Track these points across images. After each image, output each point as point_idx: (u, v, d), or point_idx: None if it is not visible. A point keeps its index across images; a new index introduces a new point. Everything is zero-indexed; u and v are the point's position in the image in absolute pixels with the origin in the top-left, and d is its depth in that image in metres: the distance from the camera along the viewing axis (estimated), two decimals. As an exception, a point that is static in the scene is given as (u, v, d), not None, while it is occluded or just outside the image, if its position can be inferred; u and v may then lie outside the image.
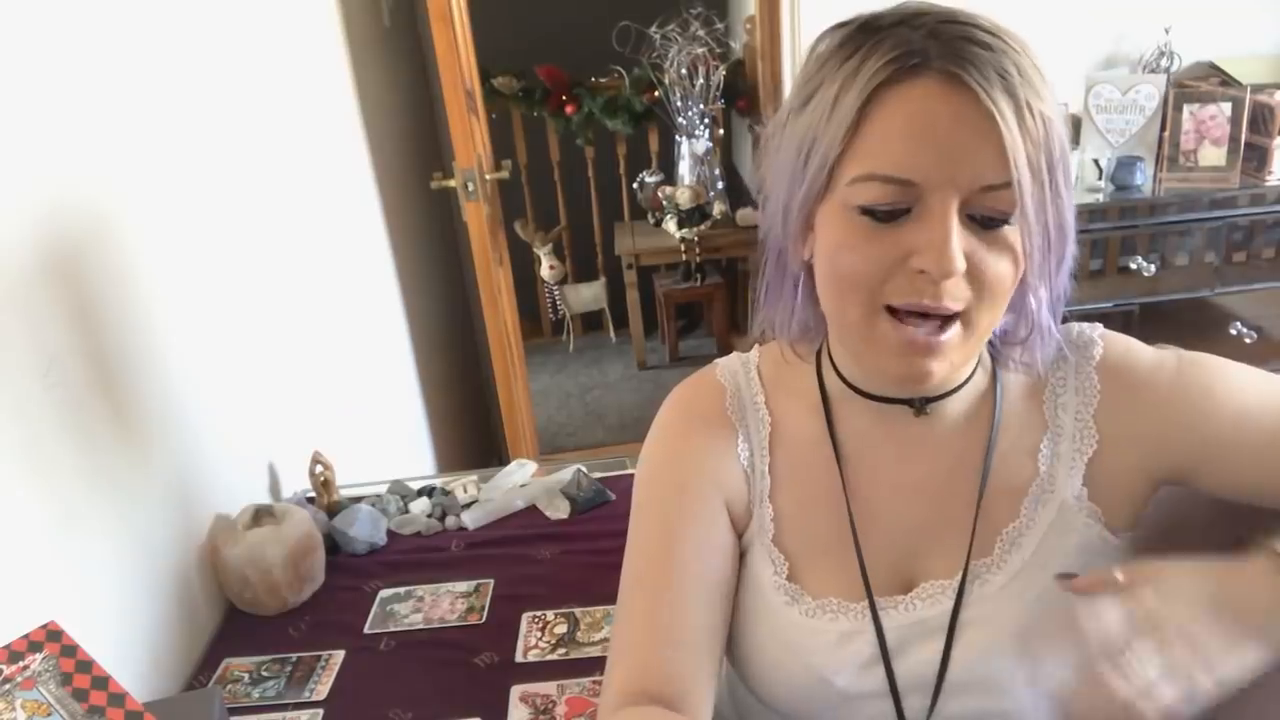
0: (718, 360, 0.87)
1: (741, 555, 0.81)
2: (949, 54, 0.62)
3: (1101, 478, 0.76)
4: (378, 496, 1.47)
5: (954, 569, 0.76)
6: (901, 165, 0.63)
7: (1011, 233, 0.65)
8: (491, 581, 1.29)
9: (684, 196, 3.39)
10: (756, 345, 0.87)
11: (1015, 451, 0.77)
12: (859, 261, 0.66)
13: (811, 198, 0.68)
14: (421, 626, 1.22)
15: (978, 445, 0.77)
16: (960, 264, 0.63)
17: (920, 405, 0.76)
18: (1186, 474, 0.76)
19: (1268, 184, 2.25)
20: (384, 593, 1.29)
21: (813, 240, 0.71)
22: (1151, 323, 2.29)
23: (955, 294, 0.65)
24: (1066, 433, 0.77)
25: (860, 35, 0.66)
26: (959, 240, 0.63)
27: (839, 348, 0.78)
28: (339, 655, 1.17)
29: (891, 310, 0.67)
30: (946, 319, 0.66)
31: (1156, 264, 2.28)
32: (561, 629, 1.18)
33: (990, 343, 0.78)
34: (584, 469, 1.49)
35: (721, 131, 3.62)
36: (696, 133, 3.39)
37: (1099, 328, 0.79)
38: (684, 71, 3.25)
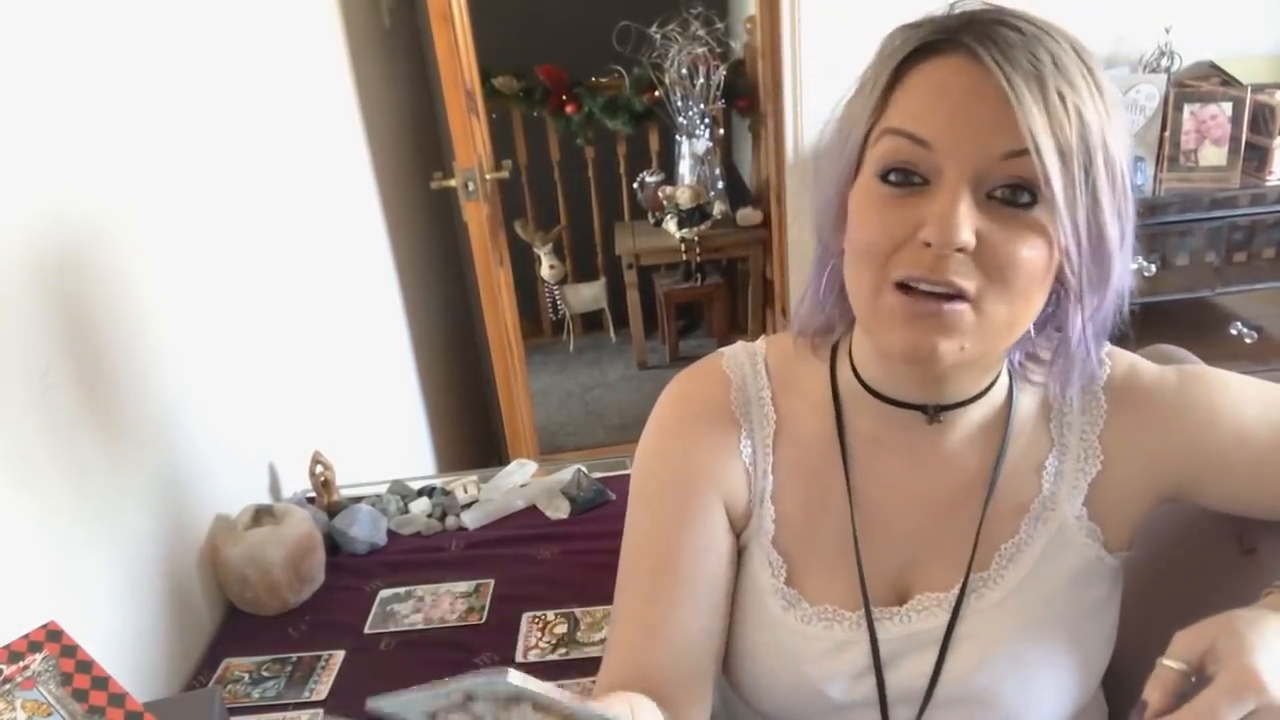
0: (723, 349, 0.84)
1: (740, 555, 0.80)
2: (976, 34, 0.63)
3: (1103, 498, 0.76)
4: (378, 496, 1.47)
5: (950, 581, 0.75)
6: (914, 122, 0.64)
7: (1040, 217, 0.63)
8: (491, 581, 1.29)
9: (684, 196, 3.39)
10: (764, 336, 0.85)
11: (1021, 468, 0.76)
12: (873, 230, 0.65)
13: (846, 178, 0.69)
14: (421, 626, 1.22)
15: (986, 459, 0.76)
16: (964, 236, 0.61)
17: (934, 412, 0.73)
18: (1187, 491, 0.76)
19: (1268, 184, 2.25)
20: (384, 593, 1.29)
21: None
22: (1152, 323, 2.27)
23: (960, 271, 0.62)
24: (1071, 451, 0.76)
25: (911, 25, 0.67)
26: (968, 213, 0.62)
27: (861, 342, 0.76)
28: (339, 655, 1.17)
29: (900, 287, 0.65)
30: (954, 297, 0.64)
31: (1157, 264, 2.27)
32: (561, 629, 1.18)
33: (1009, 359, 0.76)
34: (584, 469, 1.49)
35: (721, 131, 3.62)
36: (696, 133, 3.39)
37: (1105, 345, 0.77)
38: (684, 71, 3.25)
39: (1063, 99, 0.61)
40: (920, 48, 0.65)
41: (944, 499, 0.76)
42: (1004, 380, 0.77)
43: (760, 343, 0.84)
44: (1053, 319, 0.71)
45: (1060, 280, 0.66)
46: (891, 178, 0.65)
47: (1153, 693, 0.60)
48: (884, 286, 0.65)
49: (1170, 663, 0.60)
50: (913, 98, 0.65)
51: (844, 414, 0.78)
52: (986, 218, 0.62)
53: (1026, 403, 0.78)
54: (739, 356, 0.82)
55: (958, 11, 0.66)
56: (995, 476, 0.76)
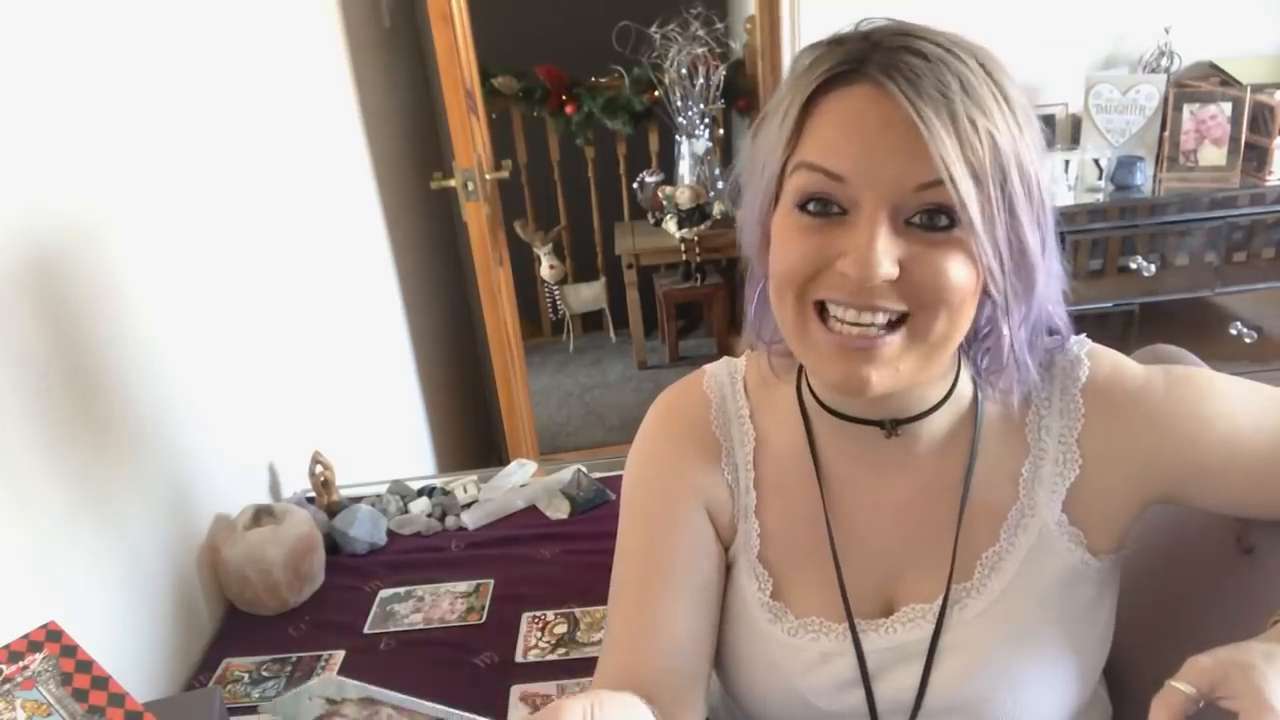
0: (706, 367, 0.85)
1: (728, 569, 0.81)
2: (884, 63, 0.62)
3: (1084, 501, 0.75)
4: (378, 496, 1.47)
5: (934, 592, 0.75)
6: (828, 156, 0.63)
7: (960, 236, 0.63)
8: (491, 581, 1.29)
9: (684, 196, 3.39)
10: (748, 350, 0.85)
11: (995, 475, 0.76)
12: (792, 257, 0.66)
13: (767, 207, 0.69)
14: (421, 626, 1.22)
15: (957, 468, 0.75)
16: (885, 269, 0.62)
17: (890, 426, 0.73)
18: (1175, 495, 0.75)
19: (1268, 184, 2.25)
20: (384, 593, 1.29)
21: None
22: (1151, 323, 2.29)
23: (884, 294, 0.63)
24: (1049, 456, 0.75)
25: (821, 49, 0.67)
26: (887, 246, 0.62)
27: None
28: (339, 655, 1.18)
29: (822, 311, 0.66)
30: (892, 325, 0.64)
31: (1156, 264, 2.27)
32: (561, 629, 1.19)
33: (975, 367, 0.76)
34: (584, 469, 1.49)
35: (721, 131, 3.62)
36: (696, 133, 3.39)
37: (1086, 344, 0.77)
38: (684, 71, 3.25)
39: (974, 124, 0.61)
40: (830, 77, 0.64)
41: (918, 510, 0.76)
42: (966, 389, 0.76)
43: (742, 359, 0.85)
44: (986, 329, 0.71)
45: (986, 293, 0.67)
46: (810, 208, 0.65)
47: (1159, 714, 0.60)
48: (806, 314, 0.66)
49: (1180, 685, 0.60)
50: (824, 130, 0.64)
51: (813, 430, 0.79)
52: (907, 243, 0.63)
53: (996, 410, 0.77)
54: (720, 375, 0.84)
55: (864, 30, 0.66)
56: (966, 485, 0.75)
